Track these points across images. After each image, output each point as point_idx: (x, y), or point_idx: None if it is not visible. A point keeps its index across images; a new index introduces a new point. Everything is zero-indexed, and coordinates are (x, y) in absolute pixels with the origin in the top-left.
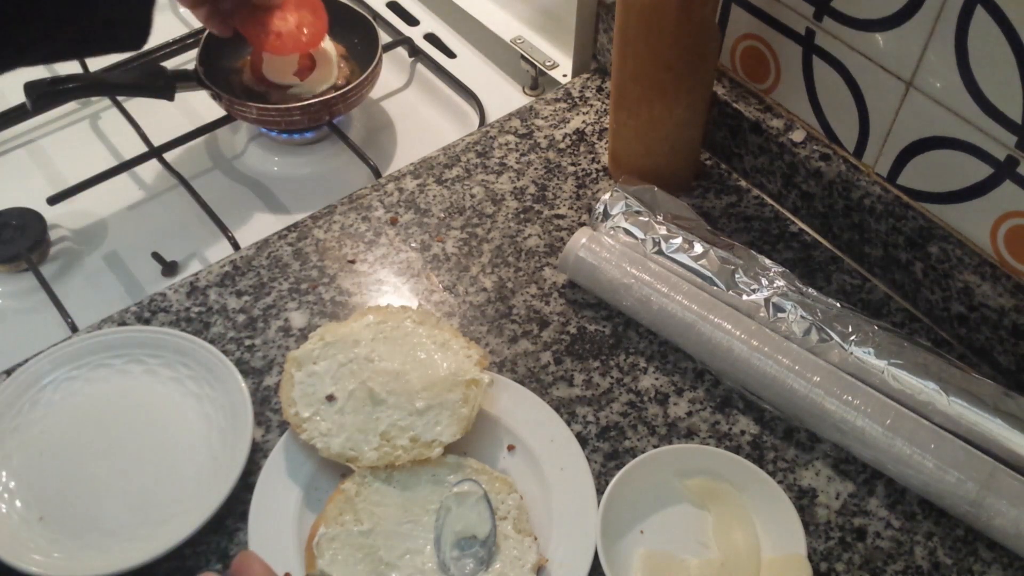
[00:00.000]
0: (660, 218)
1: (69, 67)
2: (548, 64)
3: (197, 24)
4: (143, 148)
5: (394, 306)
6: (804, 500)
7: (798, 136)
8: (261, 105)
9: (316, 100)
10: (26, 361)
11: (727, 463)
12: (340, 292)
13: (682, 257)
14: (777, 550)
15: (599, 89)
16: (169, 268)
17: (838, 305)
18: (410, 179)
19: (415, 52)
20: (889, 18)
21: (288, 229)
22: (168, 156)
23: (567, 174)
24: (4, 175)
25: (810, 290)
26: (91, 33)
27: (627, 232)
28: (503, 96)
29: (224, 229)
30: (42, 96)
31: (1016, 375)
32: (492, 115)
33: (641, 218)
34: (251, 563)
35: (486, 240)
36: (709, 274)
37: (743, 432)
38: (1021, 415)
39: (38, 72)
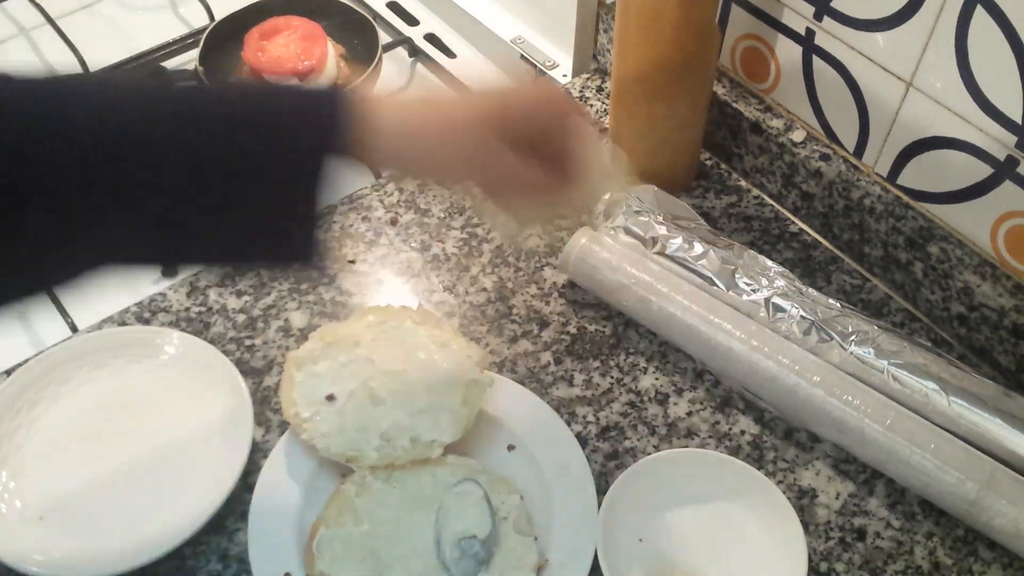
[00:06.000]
0: (660, 218)
1: (68, 67)
2: (548, 64)
3: (197, 24)
4: None
5: (394, 306)
6: (804, 500)
7: (798, 136)
8: None
9: None
10: (26, 361)
11: (726, 466)
12: (340, 292)
13: (682, 257)
14: (777, 550)
15: (599, 89)
16: (169, 268)
17: (838, 305)
18: (410, 179)
19: (415, 52)
20: (889, 18)
21: None
22: None
23: None
24: None
25: (810, 290)
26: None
27: (627, 232)
28: None
29: None
30: None
31: (1016, 375)
32: None
33: (641, 218)
34: None
35: (486, 240)
36: (709, 274)
37: (743, 432)
38: (1021, 415)
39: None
